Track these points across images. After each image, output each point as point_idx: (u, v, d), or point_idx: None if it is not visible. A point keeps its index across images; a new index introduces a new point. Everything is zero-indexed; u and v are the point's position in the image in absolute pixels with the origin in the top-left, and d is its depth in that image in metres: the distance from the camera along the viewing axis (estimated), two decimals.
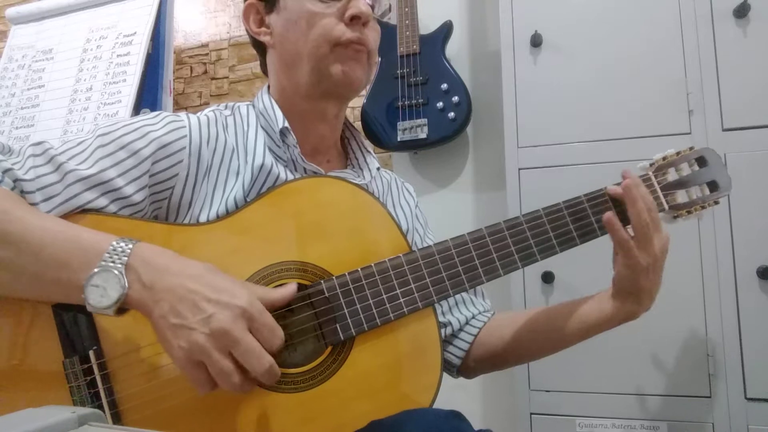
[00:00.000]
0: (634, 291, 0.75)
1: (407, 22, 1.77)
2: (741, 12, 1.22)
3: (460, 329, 0.89)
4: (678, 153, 0.83)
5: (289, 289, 0.64)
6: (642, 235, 0.73)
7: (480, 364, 0.88)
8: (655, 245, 0.73)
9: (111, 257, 0.57)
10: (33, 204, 0.63)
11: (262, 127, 0.80)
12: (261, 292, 0.62)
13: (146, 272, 0.56)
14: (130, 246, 0.58)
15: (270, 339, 0.58)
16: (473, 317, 0.89)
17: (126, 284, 0.55)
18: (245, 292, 0.58)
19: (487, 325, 0.89)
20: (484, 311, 0.91)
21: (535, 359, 0.89)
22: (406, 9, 1.78)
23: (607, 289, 0.80)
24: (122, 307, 0.56)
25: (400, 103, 1.73)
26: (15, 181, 0.62)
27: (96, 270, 0.56)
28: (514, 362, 0.88)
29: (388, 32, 1.78)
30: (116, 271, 0.56)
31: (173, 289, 0.56)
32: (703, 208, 0.81)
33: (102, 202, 0.66)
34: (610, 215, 0.74)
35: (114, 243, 0.58)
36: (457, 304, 0.90)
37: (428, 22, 1.81)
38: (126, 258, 0.57)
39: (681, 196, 0.81)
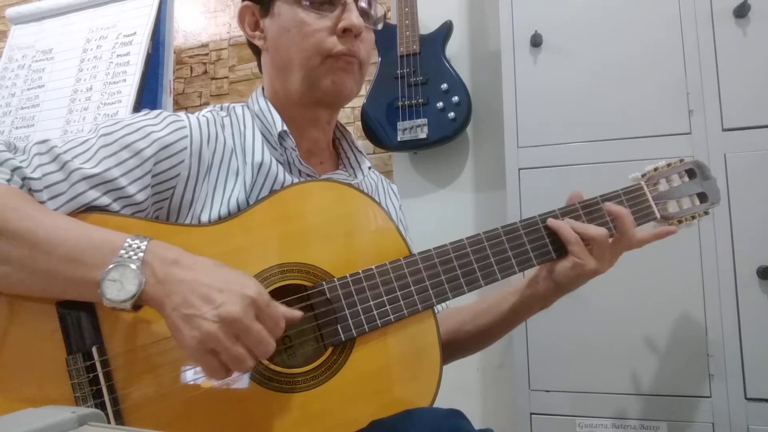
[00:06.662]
0: (569, 288, 0.79)
1: (407, 22, 1.77)
2: (741, 12, 1.22)
3: None
4: (669, 164, 0.85)
5: (295, 313, 0.63)
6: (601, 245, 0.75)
7: None
8: (607, 258, 0.77)
9: (127, 253, 0.58)
10: (40, 202, 0.63)
11: (259, 129, 0.81)
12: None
13: (160, 267, 0.58)
14: (145, 243, 0.59)
15: (274, 329, 0.60)
16: None
17: (143, 279, 0.57)
18: (254, 282, 0.60)
19: None
20: None
21: (466, 356, 0.92)
22: (406, 9, 1.78)
23: (524, 281, 0.83)
24: (137, 303, 0.57)
25: (400, 103, 1.73)
26: (24, 179, 0.63)
27: (112, 266, 0.57)
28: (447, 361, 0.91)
29: (388, 32, 1.78)
30: (133, 266, 0.57)
31: (185, 281, 0.58)
32: (693, 218, 0.84)
33: (106, 200, 0.67)
34: (552, 221, 0.77)
35: (129, 240, 0.59)
36: None
37: (428, 22, 1.81)
38: (142, 254, 0.58)
39: (672, 206, 0.84)
